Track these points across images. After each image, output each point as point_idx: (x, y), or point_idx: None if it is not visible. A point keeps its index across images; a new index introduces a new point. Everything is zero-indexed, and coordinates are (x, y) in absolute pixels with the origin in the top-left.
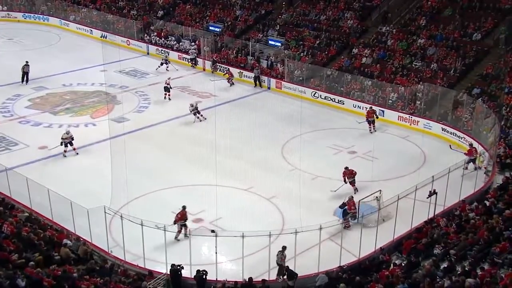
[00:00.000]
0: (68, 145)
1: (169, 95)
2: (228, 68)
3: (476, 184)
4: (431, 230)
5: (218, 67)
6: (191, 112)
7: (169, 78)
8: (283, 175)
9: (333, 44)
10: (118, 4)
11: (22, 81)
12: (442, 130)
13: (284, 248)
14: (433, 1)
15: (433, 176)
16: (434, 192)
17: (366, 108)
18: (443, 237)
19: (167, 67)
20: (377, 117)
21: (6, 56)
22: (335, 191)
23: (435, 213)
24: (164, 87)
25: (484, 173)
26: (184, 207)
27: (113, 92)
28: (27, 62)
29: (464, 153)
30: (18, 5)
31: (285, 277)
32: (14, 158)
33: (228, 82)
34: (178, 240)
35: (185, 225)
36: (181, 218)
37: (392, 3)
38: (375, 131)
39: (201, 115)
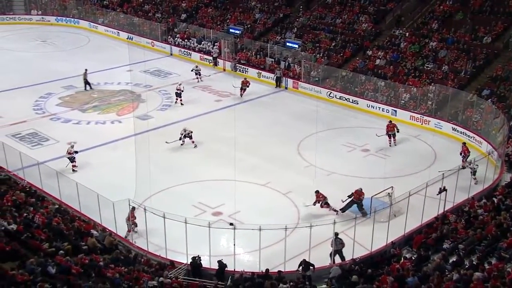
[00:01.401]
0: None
1: (181, 100)
2: (245, 78)
3: (485, 182)
4: (441, 225)
5: (238, 67)
6: (181, 136)
7: (180, 84)
8: (299, 171)
9: (348, 46)
10: (144, 7)
11: (85, 88)
12: (453, 130)
13: (336, 234)
14: (445, 5)
15: (443, 174)
16: (444, 189)
17: (387, 121)
18: (452, 232)
19: (200, 78)
20: (398, 131)
21: (40, 57)
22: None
23: (445, 209)
24: (175, 92)
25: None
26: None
27: (138, 91)
28: (86, 70)
29: (462, 153)
30: (51, 9)
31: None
32: (45, 153)
33: (241, 90)
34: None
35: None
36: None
37: (405, 7)
38: (395, 145)
39: (192, 142)
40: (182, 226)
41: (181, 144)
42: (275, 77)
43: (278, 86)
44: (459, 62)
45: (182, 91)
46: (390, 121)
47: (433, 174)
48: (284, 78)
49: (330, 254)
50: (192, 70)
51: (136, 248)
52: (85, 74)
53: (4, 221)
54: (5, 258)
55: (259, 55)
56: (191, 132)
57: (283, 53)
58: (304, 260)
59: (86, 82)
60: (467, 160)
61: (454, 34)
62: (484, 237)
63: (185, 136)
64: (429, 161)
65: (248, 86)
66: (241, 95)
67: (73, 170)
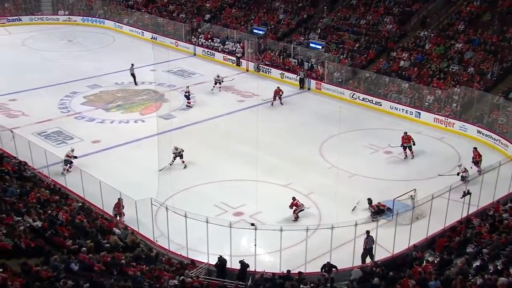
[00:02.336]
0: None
1: (188, 102)
2: (278, 87)
3: (511, 186)
4: (465, 229)
5: (261, 68)
6: (174, 155)
7: (187, 87)
8: (321, 172)
9: (372, 47)
10: (168, 8)
11: (135, 82)
12: (478, 133)
13: (368, 232)
14: (472, 6)
15: (467, 177)
16: (468, 193)
17: (401, 132)
18: (476, 236)
19: (220, 87)
20: (414, 144)
21: (66, 57)
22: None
23: (469, 213)
24: (185, 95)
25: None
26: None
27: (161, 90)
28: (132, 64)
29: (472, 158)
30: (78, 9)
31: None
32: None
33: (274, 99)
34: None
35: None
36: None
37: (431, 9)
38: (413, 157)
39: (183, 161)
40: (204, 226)
41: (170, 164)
42: (298, 78)
43: (302, 88)
44: (485, 64)
45: (190, 93)
46: (405, 133)
47: (457, 177)
48: (307, 79)
49: (362, 255)
50: (214, 80)
51: (157, 247)
52: (131, 68)
53: (29, 218)
54: (31, 254)
55: (282, 56)
56: (182, 150)
57: (306, 54)
58: (328, 262)
59: (133, 76)
60: (460, 166)
61: (481, 35)
62: (510, 242)
63: (176, 156)
64: (453, 164)
65: (281, 94)
66: (272, 103)
67: (66, 172)
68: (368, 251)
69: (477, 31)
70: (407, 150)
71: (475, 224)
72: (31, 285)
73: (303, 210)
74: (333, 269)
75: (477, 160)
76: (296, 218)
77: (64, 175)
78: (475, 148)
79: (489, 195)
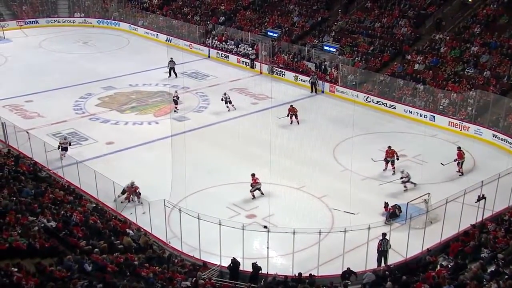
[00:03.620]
0: (64, 150)
1: (176, 107)
2: (291, 105)
3: None
4: (478, 233)
5: (275, 70)
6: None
7: (176, 91)
8: (334, 175)
9: (386, 50)
10: (183, 10)
11: (169, 75)
12: (493, 137)
13: (384, 235)
14: (489, 9)
15: (482, 181)
16: (483, 197)
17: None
18: (491, 241)
19: (232, 105)
20: (397, 159)
21: (81, 58)
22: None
23: (483, 218)
24: (173, 99)
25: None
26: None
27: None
28: (171, 58)
29: (455, 160)
30: (93, 11)
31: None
32: (84, 152)
33: (290, 116)
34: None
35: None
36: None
37: (446, 12)
38: (394, 173)
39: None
40: (216, 228)
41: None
42: (310, 82)
43: (313, 91)
44: (502, 68)
45: (178, 98)
46: (389, 147)
47: (472, 181)
48: (321, 81)
49: (377, 258)
50: (222, 100)
51: (170, 248)
52: (171, 62)
53: (44, 218)
54: (45, 254)
55: (296, 59)
56: (135, 187)
57: (320, 56)
58: (348, 268)
59: (173, 71)
60: (403, 171)
61: (498, 38)
62: None
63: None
64: (468, 168)
65: (296, 113)
66: (291, 122)
67: (63, 157)
68: (381, 253)
69: (494, 34)
70: (389, 164)
71: (490, 228)
72: (45, 285)
73: (259, 188)
74: (353, 274)
75: (460, 160)
76: (253, 195)
77: (62, 160)
78: (459, 148)
79: (505, 200)
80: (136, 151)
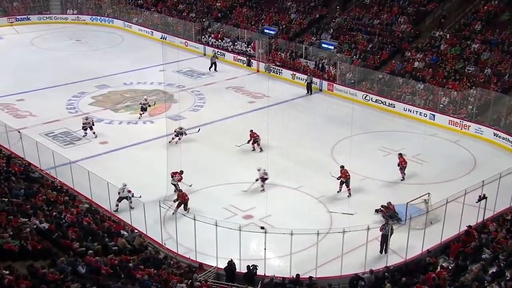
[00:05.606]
0: (88, 129)
1: (141, 113)
2: (252, 130)
3: None
4: (480, 234)
5: (272, 68)
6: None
7: (145, 99)
8: (332, 175)
9: (385, 48)
10: (178, 7)
11: (210, 68)
12: (494, 136)
13: (387, 221)
14: (490, 5)
15: (483, 181)
16: (484, 197)
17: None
18: (492, 242)
19: (179, 138)
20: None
21: (74, 56)
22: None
23: (485, 218)
24: (141, 106)
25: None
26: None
27: (170, 91)
28: (215, 52)
29: (399, 164)
30: (87, 8)
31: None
32: (77, 152)
33: (252, 143)
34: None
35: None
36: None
37: (446, 9)
38: (350, 195)
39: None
40: (213, 229)
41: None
42: (305, 83)
43: (309, 93)
44: (503, 65)
45: (149, 105)
46: (342, 166)
47: (473, 181)
48: (319, 80)
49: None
50: (175, 131)
51: (165, 250)
52: (215, 56)
53: (36, 220)
54: (37, 256)
55: (293, 56)
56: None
57: (318, 54)
58: (356, 274)
59: (213, 64)
60: (259, 170)
61: (499, 35)
62: None
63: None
64: (469, 168)
65: (257, 138)
66: (253, 148)
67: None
68: (383, 237)
69: (495, 31)
70: (343, 185)
71: (491, 229)
72: None
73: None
74: (361, 281)
75: (403, 166)
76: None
77: (96, 137)
78: (400, 154)
79: (506, 200)
80: (131, 150)
